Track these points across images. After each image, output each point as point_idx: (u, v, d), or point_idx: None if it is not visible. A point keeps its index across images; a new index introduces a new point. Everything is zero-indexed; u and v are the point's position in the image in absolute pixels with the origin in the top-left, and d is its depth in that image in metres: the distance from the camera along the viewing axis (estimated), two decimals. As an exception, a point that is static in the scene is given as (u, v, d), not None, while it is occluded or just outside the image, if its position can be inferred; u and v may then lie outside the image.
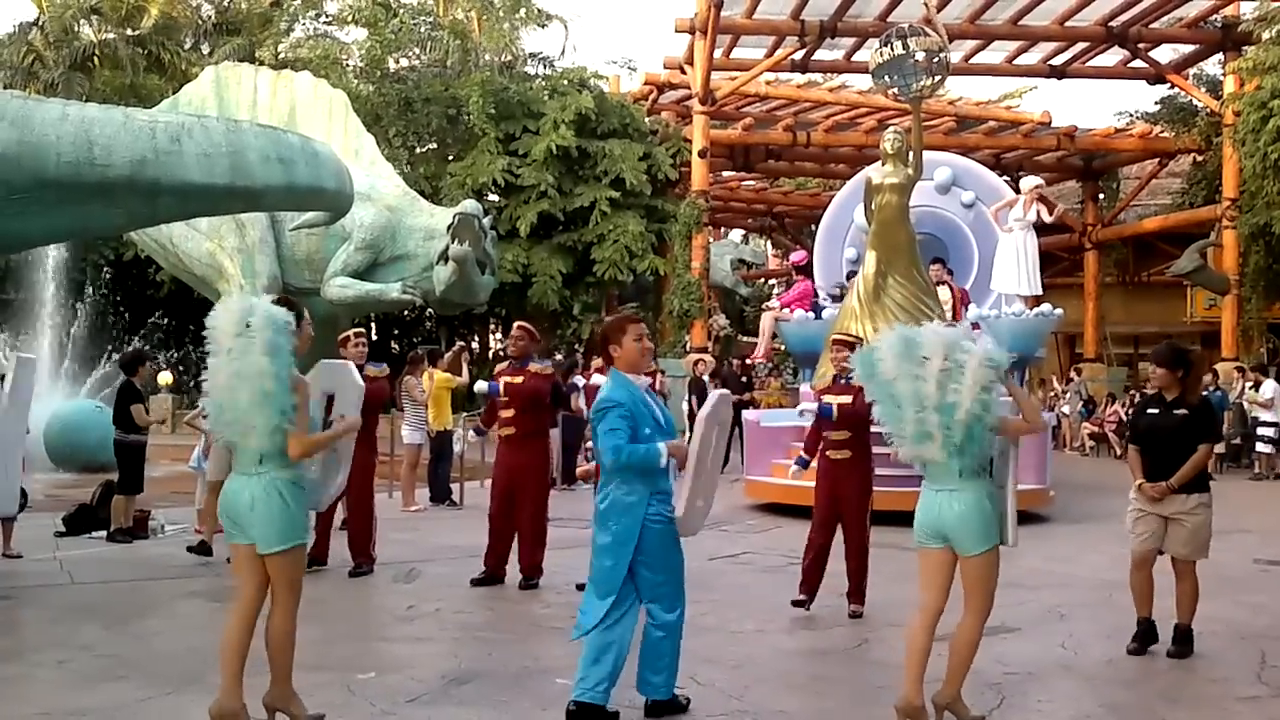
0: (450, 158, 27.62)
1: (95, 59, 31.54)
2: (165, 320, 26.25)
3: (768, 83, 27.44)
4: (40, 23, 32.29)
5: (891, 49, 13.65)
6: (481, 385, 9.99)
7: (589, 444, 12.75)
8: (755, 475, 14.58)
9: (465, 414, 16.15)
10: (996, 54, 26.39)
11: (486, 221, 20.04)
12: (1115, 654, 7.22)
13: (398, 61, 30.09)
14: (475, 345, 31.51)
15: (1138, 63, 25.99)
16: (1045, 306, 17.00)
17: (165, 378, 23.30)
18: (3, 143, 8.84)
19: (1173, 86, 26.96)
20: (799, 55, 25.20)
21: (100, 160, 9.24)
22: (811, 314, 16.75)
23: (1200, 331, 29.38)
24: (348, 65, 29.84)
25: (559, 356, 22.45)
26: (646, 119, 27.08)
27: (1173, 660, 7.10)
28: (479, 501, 12.16)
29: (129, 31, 32.32)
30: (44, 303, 23.92)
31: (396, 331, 32.12)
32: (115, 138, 9.32)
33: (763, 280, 44.02)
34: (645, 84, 28.09)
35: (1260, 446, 19.88)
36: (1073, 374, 27.32)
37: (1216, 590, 8.95)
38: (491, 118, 25.49)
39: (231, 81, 21.29)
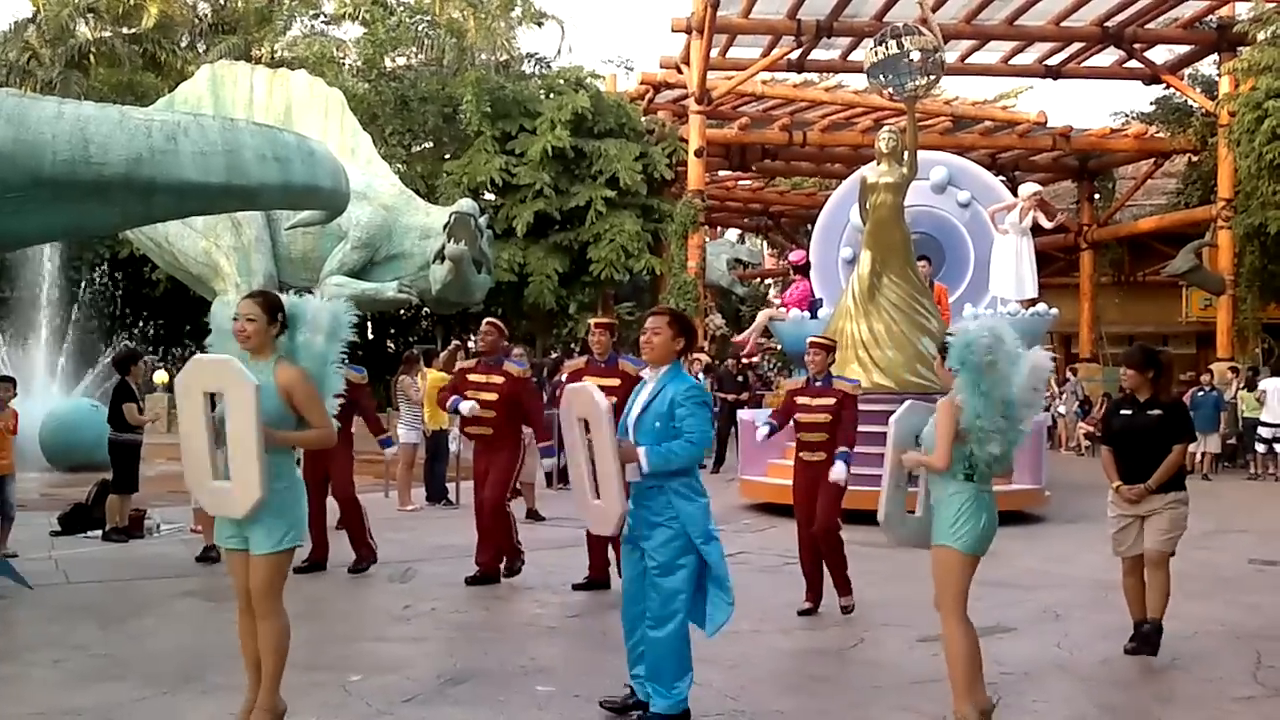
0: (446, 156, 27.64)
1: (91, 57, 31.50)
2: (159, 320, 26.22)
3: (764, 82, 27.47)
4: (37, 20, 32.24)
5: (886, 48, 13.66)
6: (467, 405, 9.25)
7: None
8: (750, 475, 14.58)
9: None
10: (992, 54, 26.44)
11: (483, 220, 20.06)
12: (1111, 654, 7.22)
13: (394, 60, 30.09)
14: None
15: (1133, 63, 26.05)
16: (1041, 306, 17.03)
17: (161, 376, 23.29)
18: (-1, 141, 8.84)
19: (1168, 87, 27.02)
20: (795, 55, 25.22)
21: (96, 158, 9.24)
22: (807, 314, 16.76)
23: (1195, 332, 29.47)
24: (344, 64, 29.85)
25: (555, 354, 22.46)
26: (643, 118, 27.09)
27: (1169, 661, 7.10)
28: (475, 501, 12.15)
29: (125, 30, 32.28)
30: (40, 301, 23.87)
31: (393, 330, 32.10)
32: (111, 136, 9.32)
33: (759, 280, 44.06)
34: (641, 83, 28.12)
35: (1257, 446, 19.92)
36: (1069, 374, 27.35)
37: (1212, 590, 8.98)
38: (488, 117, 25.49)
39: (228, 80, 21.30)
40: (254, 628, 5.27)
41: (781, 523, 12.62)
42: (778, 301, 18.59)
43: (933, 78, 14.09)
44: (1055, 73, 26.50)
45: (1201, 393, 19.88)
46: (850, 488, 8.43)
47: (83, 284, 25.48)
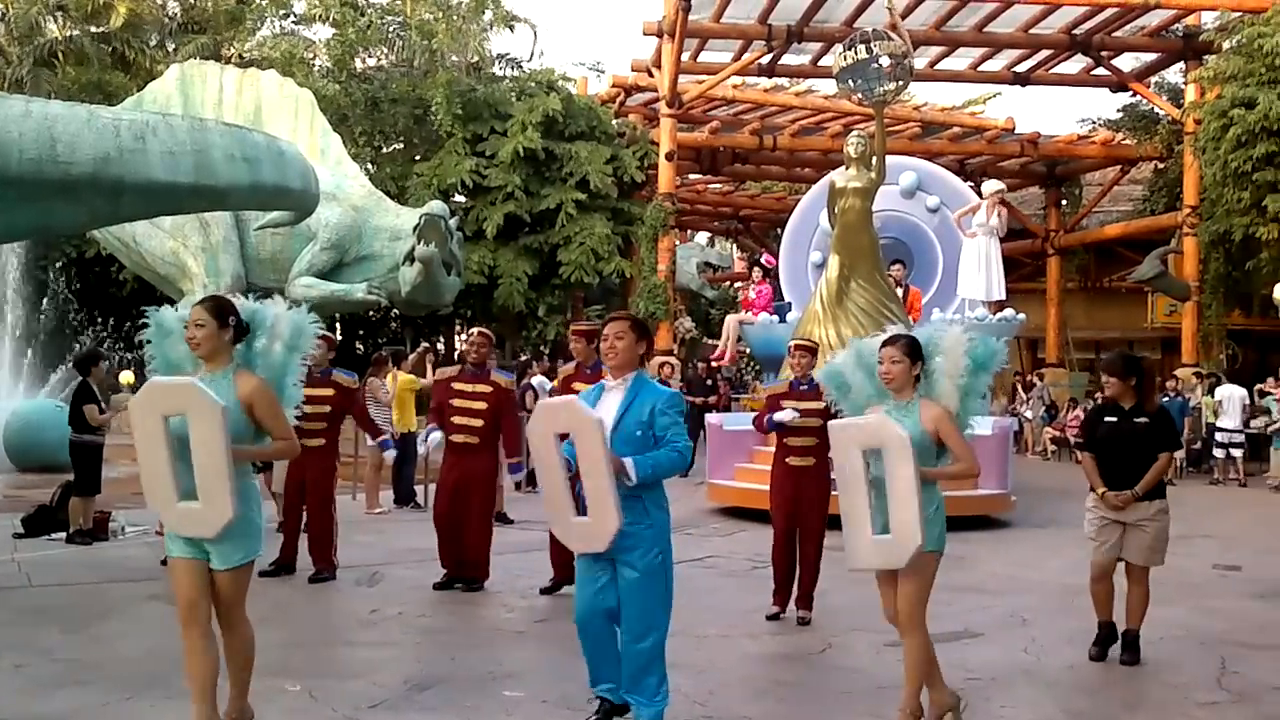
0: (417, 158, 27.57)
1: (60, 55, 31.28)
2: (126, 320, 26.03)
3: (735, 86, 27.51)
4: (6, 18, 32.01)
5: (856, 53, 13.72)
6: (436, 436, 9.25)
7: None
8: (718, 479, 14.59)
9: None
10: (961, 60, 26.58)
11: (453, 223, 20.05)
12: (1077, 659, 7.27)
13: (364, 61, 30.01)
14: (440, 346, 31.43)
15: (1100, 70, 26.23)
16: (1008, 311, 17.14)
17: (127, 376, 23.10)
18: (-37, 140, 8.76)
19: (1135, 94, 27.23)
20: (766, 59, 25.27)
21: (63, 158, 9.17)
22: (776, 317, 16.81)
23: (1161, 337, 29.66)
24: (314, 64, 29.73)
25: (524, 357, 22.43)
26: (614, 121, 27.09)
27: (1134, 666, 7.15)
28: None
29: (94, 28, 32.08)
30: (4, 300, 23.68)
31: (361, 332, 31.99)
32: (79, 135, 9.26)
33: (728, 283, 44.13)
34: (612, 86, 28.13)
35: (1216, 452, 20.11)
36: (1035, 378, 27.51)
37: (1177, 596, 9.04)
38: (459, 119, 25.45)
39: (197, 80, 21.21)
40: (202, 644, 5.11)
41: (750, 527, 12.66)
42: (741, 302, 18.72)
43: (901, 83, 14.15)
44: (1023, 79, 26.67)
45: (1167, 399, 20.04)
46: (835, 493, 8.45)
47: (49, 283, 25.29)
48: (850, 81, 14.00)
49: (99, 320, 25.86)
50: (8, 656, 6.94)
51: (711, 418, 16.27)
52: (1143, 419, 7.26)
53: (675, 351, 25.26)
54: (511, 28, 32.36)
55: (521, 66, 30.59)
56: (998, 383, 23.14)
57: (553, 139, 25.48)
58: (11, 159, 8.97)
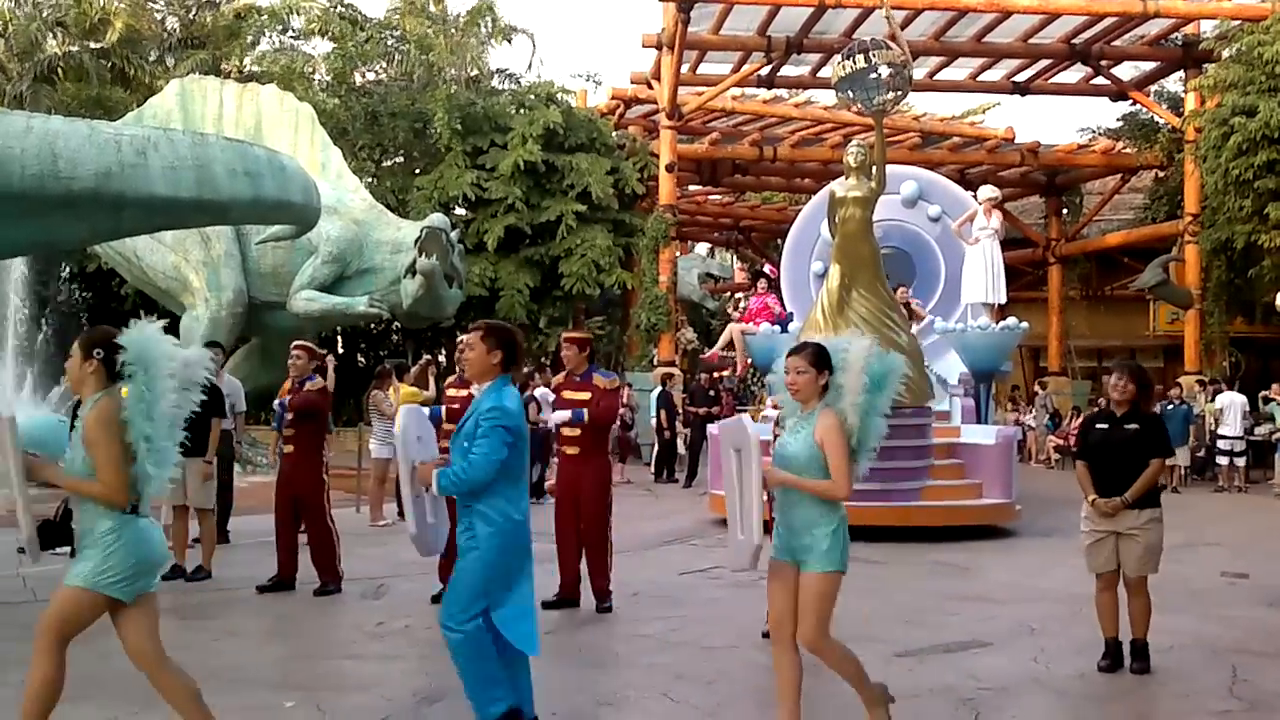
0: (417, 171, 27.57)
1: (60, 71, 31.31)
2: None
3: (734, 98, 27.57)
4: (5, 34, 32.06)
5: (855, 63, 13.73)
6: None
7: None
8: (721, 490, 14.51)
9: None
10: (961, 70, 26.62)
11: (454, 235, 20.03)
12: (1087, 669, 7.22)
13: (364, 75, 30.03)
14: (442, 359, 31.39)
15: (1100, 80, 26.28)
16: (1011, 320, 17.13)
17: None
18: (-34, 155, 8.76)
19: (1135, 103, 27.24)
20: (765, 71, 25.32)
21: (65, 173, 9.18)
22: (778, 327, 16.80)
23: (1163, 345, 29.69)
24: (313, 79, 29.74)
25: (525, 369, 22.38)
26: (614, 133, 27.10)
27: (1144, 675, 7.11)
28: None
29: (93, 44, 32.11)
30: (7, 316, 23.67)
31: (363, 345, 31.96)
32: (80, 150, 9.27)
33: (729, 294, 44.13)
34: (612, 98, 28.14)
35: (1219, 459, 20.09)
36: (1038, 387, 27.50)
37: (1186, 604, 9.01)
38: (458, 132, 25.46)
39: (197, 95, 21.20)
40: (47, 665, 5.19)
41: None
42: (736, 315, 18.68)
43: (900, 93, 14.17)
44: (1023, 89, 26.71)
45: (1171, 406, 20.02)
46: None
47: (51, 298, 25.30)
48: (849, 91, 14.01)
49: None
50: (13, 671, 6.89)
51: (713, 428, 16.24)
52: (1133, 425, 7.24)
53: (677, 363, 25.23)
54: (509, 40, 32.40)
55: (520, 80, 30.59)
56: (999, 392, 23.25)
57: (553, 151, 25.49)
58: (13, 174, 8.98)
